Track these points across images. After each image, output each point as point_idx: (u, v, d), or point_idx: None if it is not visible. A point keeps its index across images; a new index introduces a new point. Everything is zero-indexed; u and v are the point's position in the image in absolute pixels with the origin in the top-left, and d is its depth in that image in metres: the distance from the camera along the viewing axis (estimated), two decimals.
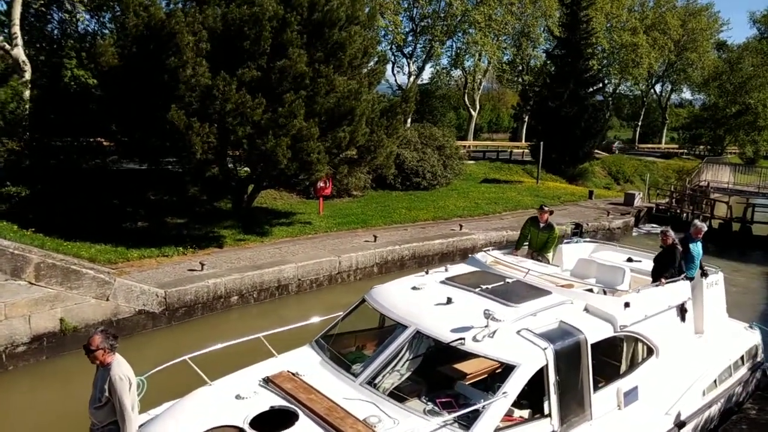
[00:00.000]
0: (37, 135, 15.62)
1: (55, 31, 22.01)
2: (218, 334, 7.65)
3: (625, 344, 6.80)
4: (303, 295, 14.19)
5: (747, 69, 50.65)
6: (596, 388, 6.17)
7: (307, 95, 14.13)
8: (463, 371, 6.57)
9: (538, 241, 9.61)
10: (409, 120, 30.41)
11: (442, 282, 7.07)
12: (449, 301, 6.36)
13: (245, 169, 17.43)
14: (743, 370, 8.78)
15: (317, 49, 14.78)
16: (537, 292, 6.72)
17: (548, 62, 40.99)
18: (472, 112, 46.73)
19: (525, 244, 9.84)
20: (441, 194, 25.32)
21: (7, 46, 17.81)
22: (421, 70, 43.76)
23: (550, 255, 9.60)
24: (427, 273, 7.46)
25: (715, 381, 7.93)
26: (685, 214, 26.14)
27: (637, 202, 26.82)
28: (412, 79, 42.24)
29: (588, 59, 37.17)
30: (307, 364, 6.33)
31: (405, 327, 6.16)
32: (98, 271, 11.28)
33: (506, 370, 5.67)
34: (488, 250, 9.08)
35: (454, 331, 5.79)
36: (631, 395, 6.56)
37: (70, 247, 12.81)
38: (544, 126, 33.99)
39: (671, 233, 8.45)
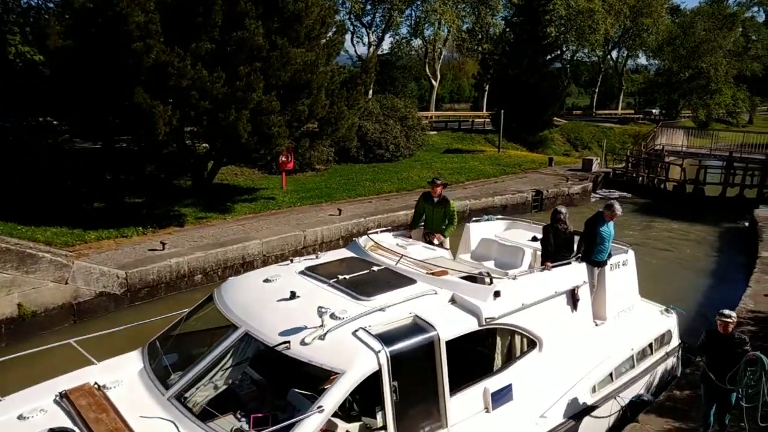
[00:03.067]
0: None
1: None
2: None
3: (498, 338, 6.13)
4: None
5: (699, 33, 51.65)
6: (456, 389, 5.53)
7: (263, 68, 13.85)
8: (296, 378, 5.66)
9: (434, 218, 8.78)
10: (370, 91, 30.18)
11: (301, 272, 6.39)
12: (293, 296, 5.68)
13: (204, 145, 17.09)
14: (652, 359, 8.03)
15: (273, 21, 14.44)
16: (399, 281, 6.10)
17: (507, 30, 41.07)
18: (434, 83, 46.62)
19: (422, 224, 8.99)
20: (404, 165, 25.37)
21: None
22: (380, 40, 43.36)
23: (450, 232, 8.85)
24: (291, 261, 6.83)
25: (611, 375, 7.22)
26: (641, 178, 26.88)
27: (595, 167, 27.38)
28: (371, 49, 41.81)
29: (546, 26, 37.35)
30: (126, 373, 5.59)
31: (236, 329, 5.47)
32: (55, 255, 11.01)
33: (331, 378, 5.03)
34: (376, 232, 8.26)
35: (284, 332, 5.14)
36: (502, 395, 5.95)
37: (24, 230, 12.44)
38: (504, 94, 34.23)
39: (564, 211, 7.88)
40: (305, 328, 5.10)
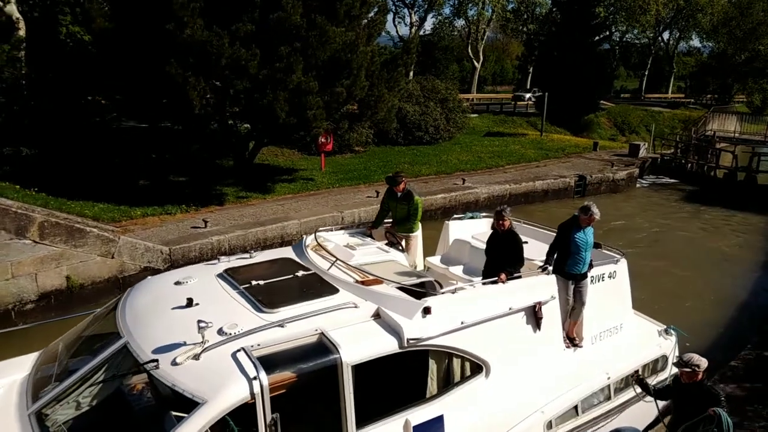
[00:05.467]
0: (34, 94, 15.48)
1: None
2: None
3: (431, 361, 5.22)
4: None
5: (758, 14, 49.16)
6: (366, 423, 4.72)
7: (302, 48, 13.87)
8: (168, 403, 4.71)
9: (397, 214, 7.89)
10: (410, 73, 29.96)
11: (219, 275, 5.70)
12: (190, 303, 5.00)
13: (245, 125, 17.31)
14: (636, 390, 6.52)
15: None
16: (319, 290, 5.36)
17: (554, 10, 39.98)
18: (476, 64, 45.90)
19: (388, 221, 8.06)
20: (443, 148, 25.15)
21: (0, 3, 17.46)
22: (422, 20, 42.87)
23: (415, 232, 7.89)
24: (218, 260, 6.21)
25: (576, 408, 6.13)
26: (690, 165, 26.03)
27: (642, 153, 26.59)
28: (413, 30, 41.37)
29: (595, 6, 36.21)
30: (10, 379, 5.06)
31: (119, 338, 4.81)
32: (102, 230, 11.38)
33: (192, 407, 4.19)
34: (330, 229, 7.65)
35: (159, 348, 4.45)
36: (429, 429, 5.09)
37: (73, 206, 12.89)
38: (549, 77, 33.44)
39: (508, 213, 6.63)
40: (184, 344, 4.40)
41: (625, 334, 7.14)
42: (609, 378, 6.46)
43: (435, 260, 8.14)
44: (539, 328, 6.08)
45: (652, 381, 6.54)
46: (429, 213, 17.15)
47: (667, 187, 24.57)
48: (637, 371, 6.49)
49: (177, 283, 5.53)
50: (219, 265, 6.02)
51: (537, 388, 5.92)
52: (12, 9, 17.52)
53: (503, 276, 6.05)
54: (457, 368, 5.45)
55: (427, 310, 5.14)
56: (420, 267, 7.95)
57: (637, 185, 23.98)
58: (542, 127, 31.57)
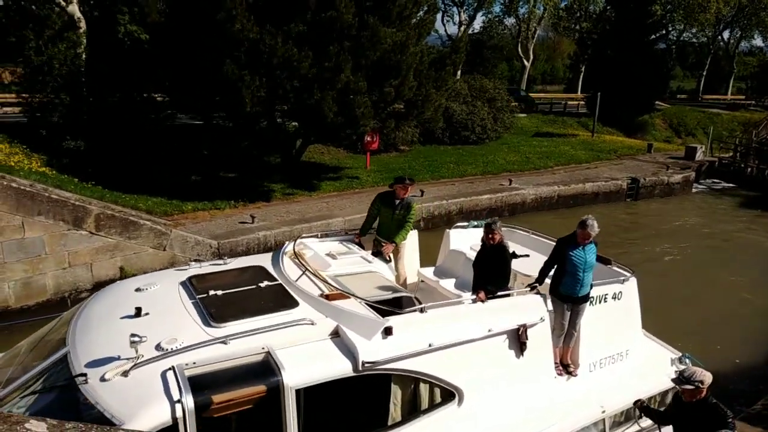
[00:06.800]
0: (92, 90, 16.08)
1: None
2: None
3: (395, 387, 4.78)
4: None
5: None
6: None
7: (352, 48, 13.92)
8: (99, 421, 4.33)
9: (392, 224, 7.07)
10: (458, 72, 29.68)
11: (182, 282, 5.33)
12: (138, 313, 4.68)
13: (293, 123, 17.51)
14: (640, 425, 6.15)
15: (366, 0, 14.45)
16: (278, 303, 4.94)
17: (608, 8, 38.90)
18: (526, 63, 45.16)
19: (372, 230, 7.41)
20: (490, 148, 24.83)
21: (63, 3, 18.20)
22: (472, 19, 42.43)
23: (405, 243, 7.14)
24: (189, 265, 5.87)
25: None
26: (749, 169, 24.92)
27: (699, 156, 25.63)
28: (462, 28, 41.00)
29: (651, 3, 35.06)
30: None
31: (63, 346, 4.52)
32: (155, 223, 11.73)
33: None
34: (316, 235, 7.09)
35: (93, 361, 4.15)
36: None
37: (128, 199, 13.33)
38: (602, 76, 32.55)
39: (498, 226, 6.04)
40: (118, 358, 4.10)
41: (631, 361, 6.48)
42: (604, 411, 5.80)
43: (428, 272, 7.46)
44: (522, 354, 5.48)
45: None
46: (474, 213, 16.98)
47: (724, 192, 23.60)
48: (640, 399, 5.61)
49: (138, 289, 5.24)
50: (189, 270, 5.70)
51: (518, 419, 5.35)
52: (74, 9, 18.25)
53: (482, 295, 5.51)
54: (425, 395, 4.97)
55: (388, 331, 4.71)
56: (413, 279, 7.43)
57: (693, 189, 23.12)
58: (594, 128, 30.81)
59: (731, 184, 24.36)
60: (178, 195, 14.51)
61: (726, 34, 57.51)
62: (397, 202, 7.07)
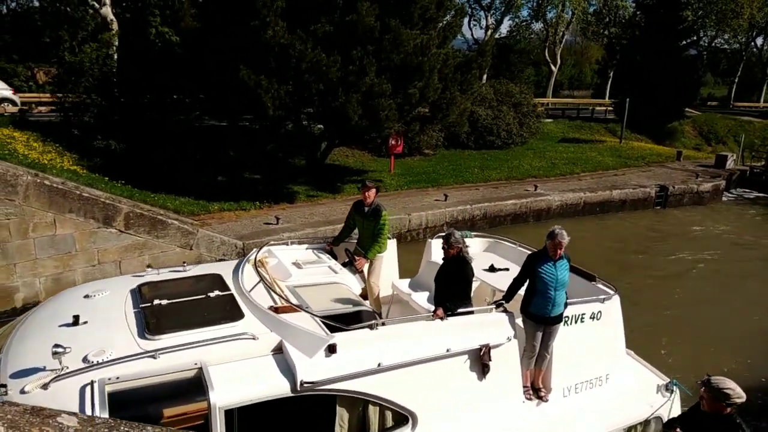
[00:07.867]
0: (124, 91, 16.41)
1: None
2: None
3: (341, 409, 4.52)
4: None
5: None
6: None
7: (375, 51, 13.96)
8: None
9: (365, 232, 6.90)
10: (484, 76, 29.58)
11: (132, 290, 5.13)
12: (76, 321, 4.48)
13: (319, 126, 17.64)
14: None
15: (388, 2, 14.47)
16: (223, 315, 4.69)
17: (638, 13, 38.35)
18: (553, 68, 44.74)
19: (351, 239, 7.27)
20: (516, 153, 24.65)
21: (96, 5, 18.62)
22: (499, 23, 42.22)
23: (382, 254, 6.81)
24: (146, 272, 5.73)
25: None
26: None
27: (730, 164, 25.10)
28: (489, 33, 40.82)
29: (682, 9, 34.49)
30: None
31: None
32: (182, 222, 11.91)
33: None
34: (285, 242, 6.89)
35: (18, 372, 3.97)
36: None
37: (156, 198, 13.56)
38: (631, 82, 32.09)
39: (457, 238, 5.64)
40: (44, 369, 3.94)
41: (611, 387, 6.04)
42: None
43: (403, 284, 6.95)
44: (484, 376, 5.14)
45: None
46: (498, 218, 16.88)
47: (756, 202, 23.05)
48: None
49: (86, 296, 5.06)
50: (145, 277, 5.53)
51: None
52: (107, 11, 18.68)
53: (440, 312, 5.19)
54: (374, 418, 4.66)
55: (332, 348, 4.42)
56: (387, 292, 7.06)
57: (723, 198, 22.63)
58: (622, 134, 30.37)
59: (763, 194, 23.80)
60: (204, 195, 14.71)
61: (759, 41, 56.31)
62: (366, 209, 6.90)
